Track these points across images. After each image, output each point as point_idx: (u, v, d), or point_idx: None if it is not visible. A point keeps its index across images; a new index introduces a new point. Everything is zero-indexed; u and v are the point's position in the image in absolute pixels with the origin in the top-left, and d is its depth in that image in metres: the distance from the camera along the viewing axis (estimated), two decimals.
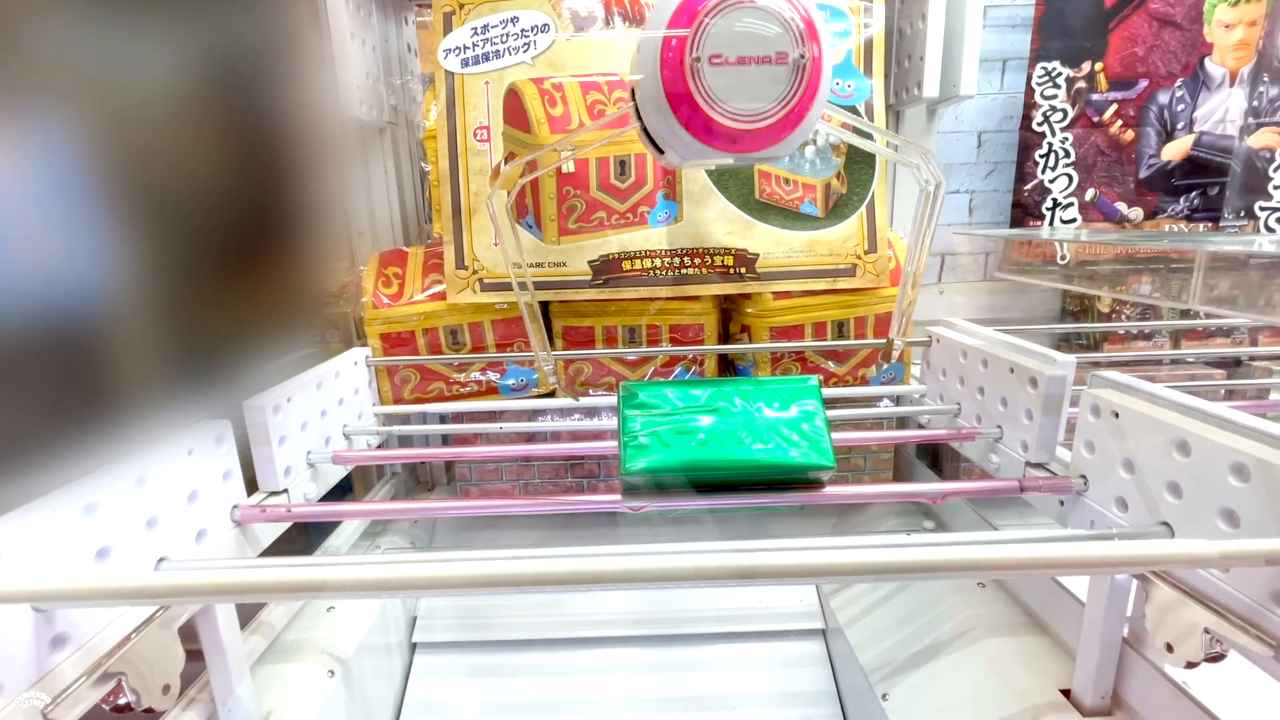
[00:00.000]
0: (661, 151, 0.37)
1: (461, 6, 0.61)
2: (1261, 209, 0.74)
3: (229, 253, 0.53)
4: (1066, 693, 0.43)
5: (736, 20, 0.31)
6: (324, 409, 0.54)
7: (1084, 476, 0.42)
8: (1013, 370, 0.49)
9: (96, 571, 0.32)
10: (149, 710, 0.33)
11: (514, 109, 0.61)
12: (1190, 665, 0.34)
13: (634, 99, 0.35)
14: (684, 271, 0.63)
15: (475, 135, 0.62)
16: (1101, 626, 0.39)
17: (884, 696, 0.51)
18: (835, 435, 0.56)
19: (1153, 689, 0.39)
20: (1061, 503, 0.44)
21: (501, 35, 0.61)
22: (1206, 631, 0.33)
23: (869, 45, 0.63)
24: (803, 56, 0.31)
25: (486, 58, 0.61)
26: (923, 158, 0.35)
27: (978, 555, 0.26)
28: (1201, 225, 0.76)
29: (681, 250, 0.63)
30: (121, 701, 0.32)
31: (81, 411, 0.40)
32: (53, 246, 0.38)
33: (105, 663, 0.31)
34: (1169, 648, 0.34)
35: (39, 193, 0.37)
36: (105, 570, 0.33)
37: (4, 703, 0.28)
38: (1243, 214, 0.74)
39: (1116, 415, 0.39)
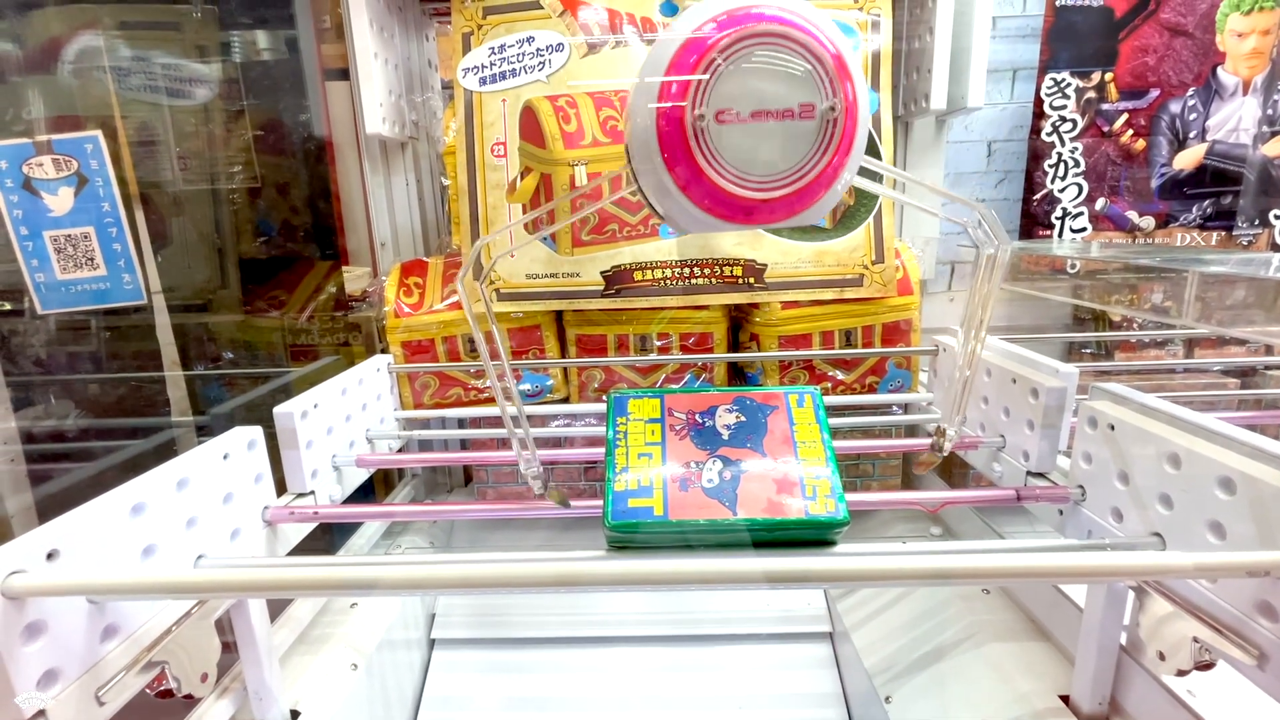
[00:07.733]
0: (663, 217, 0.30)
1: (480, 27, 0.64)
2: (1276, 217, 0.74)
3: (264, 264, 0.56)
4: (1066, 698, 0.44)
5: (753, 63, 0.24)
6: (348, 414, 0.57)
7: (1081, 487, 0.43)
8: (1015, 381, 0.50)
9: (143, 567, 0.35)
10: (189, 697, 0.35)
11: (529, 125, 0.63)
12: (1181, 673, 0.35)
13: (629, 158, 0.29)
14: (694, 281, 0.65)
15: (492, 151, 0.64)
16: (1099, 634, 0.40)
17: (887, 699, 0.52)
18: (843, 443, 0.57)
19: (1150, 696, 0.39)
20: (1060, 512, 0.45)
21: (518, 54, 0.64)
22: (1195, 640, 0.33)
23: (876, 58, 0.64)
24: (833, 108, 0.25)
25: (504, 76, 0.64)
26: (984, 218, 0.28)
27: (948, 564, 0.27)
28: (1214, 234, 0.75)
29: (691, 261, 0.65)
30: (163, 688, 0.35)
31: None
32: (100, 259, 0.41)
33: (150, 652, 0.34)
34: (1161, 656, 0.35)
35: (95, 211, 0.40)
36: (151, 566, 0.35)
37: (61, 687, 0.30)
38: (1256, 221, 0.74)
39: (1112, 428, 0.40)
